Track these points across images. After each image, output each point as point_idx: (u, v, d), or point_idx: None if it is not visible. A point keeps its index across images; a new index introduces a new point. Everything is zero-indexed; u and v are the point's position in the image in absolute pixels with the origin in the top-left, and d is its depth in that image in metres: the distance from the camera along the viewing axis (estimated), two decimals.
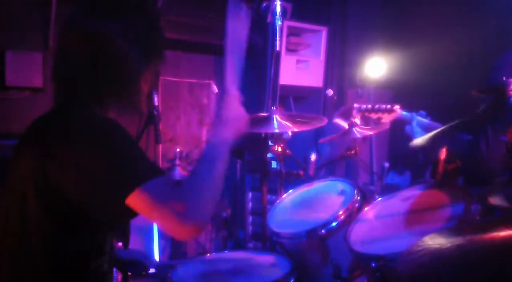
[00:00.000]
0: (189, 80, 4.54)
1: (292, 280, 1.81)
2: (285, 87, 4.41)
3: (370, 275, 1.73)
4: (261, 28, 4.42)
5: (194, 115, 4.65)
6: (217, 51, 4.60)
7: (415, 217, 1.89)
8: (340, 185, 2.34)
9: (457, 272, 1.07)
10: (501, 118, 2.25)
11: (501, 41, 4.18)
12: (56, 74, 1.32)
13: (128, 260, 1.96)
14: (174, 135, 4.53)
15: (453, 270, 1.08)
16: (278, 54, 4.31)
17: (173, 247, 3.66)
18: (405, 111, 2.82)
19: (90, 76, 1.27)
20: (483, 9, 4.18)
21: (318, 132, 3.72)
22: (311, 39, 4.65)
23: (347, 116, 2.84)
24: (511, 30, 4.06)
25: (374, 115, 2.76)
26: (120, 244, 3.00)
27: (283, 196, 2.46)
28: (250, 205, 4.30)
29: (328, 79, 4.86)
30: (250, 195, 4.33)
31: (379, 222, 1.97)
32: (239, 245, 3.89)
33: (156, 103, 3.11)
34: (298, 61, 4.56)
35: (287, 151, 2.75)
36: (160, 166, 4.27)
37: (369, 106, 2.78)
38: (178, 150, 3.14)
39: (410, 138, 2.62)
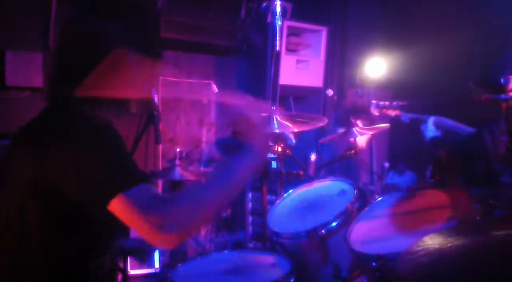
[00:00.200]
0: (189, 80, 4.54)
1: (292, 280, 1.81)
2: (285, 87, 4.41)
3: (370, 275, 1.74)
4: (261, 28, 4.43)
5: (194, 115, 4.65)
6: (217, 51, 4.61)
7: (415, 217, 1.89)
8: (340, 185, 2.34)
9: (457, 272, 1.07)
10: (500, 118, 2.25)
11: (501, 41, 4.18)
12: (52, 73, 1.32)
13: (131, 249, 1.96)
14: (174, 135, 4.53)
15: (453, 270, 1.08)
16: (278, 54, 4.32)
17: None
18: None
19: (84, 76, 1.26)
20: (483, 9, 4.18)
21: (319, 133, 3.72)
22: (311, 39, 4.65)
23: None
24: (511, 30, 4.06)
25: (392, 112, 2.75)
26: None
27: (283, 196, 2.46)
28: (250, 205, 4.30)
29: (328, 79, 4.86)
30: (250, 195, 4.33)
31: (379, 222, 1.97)
32: (239, 245, 3.89)
33: (156, 103, 3.11)
34: (298, 61, 4.56)
35: (287, 151, 2.75)
36: (160, 166, 4.27)
37: (387, 103, 2.76)
38: (178, 150, 3.13)
39: (423, 137, 2.61)
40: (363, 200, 2.15)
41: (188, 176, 2.99)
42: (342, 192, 2.27)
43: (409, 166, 5.30)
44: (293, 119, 2.51)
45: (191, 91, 4.12)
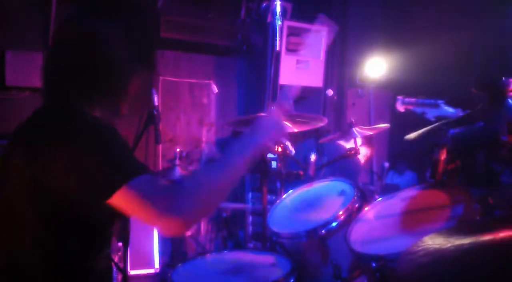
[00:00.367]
0: (189, 80, 4.54)
1: (292, 280, 1.81)
2: (285, 87, 4.41)
3: (370, 275, 1.73)
4: (261, 28, 4.43)
5: (194, 115, 4.66)
6: (217, 51, 4.61)
7: (415, 217, 1.89)
8: (340, 185, 2.34)
9: (457, 272, 1.07)
10: (499, 118, 2.25)
11: (501, 41, 4.18)
12: (48, 72, 1.32)
13: None
14: (174, 135, 4.53)
15: (453, 270, 1.08)
16: (278, 54, 4.33)
17: (173, 247, 3.66)
18: (450, 107, 2.77)
19: (82, 75, 1.27)
20: (483, 9, 4.18)
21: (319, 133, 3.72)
22: (311, 39, 4.65)
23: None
24: (511, 30, 4.06)
25: (418, 109, 2.72)
26: (120, 244, 3.00)
27: (283, 196, 2.46)
28: (250, 205, 4.30)
29: (328, 79, 4.86)
30: (250, 195, 4.33)
31: (379, 222, 1.97)
32: (239, 245, 3.89)
33: (156, 103, 3.11)
34: (298, 61, 4.56)
35: (287, 151, 2.75)
36: (160, 166, 4.28)
37: (413, 99, 2.73)
38: (178, 150, 3.14)
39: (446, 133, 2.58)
40: (363, 200, 2.14)
41: None
42: (342, 192, 2.27)
43: (409, 166, 5.31)
44: (293, 119, 2.51)
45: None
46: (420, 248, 1.20)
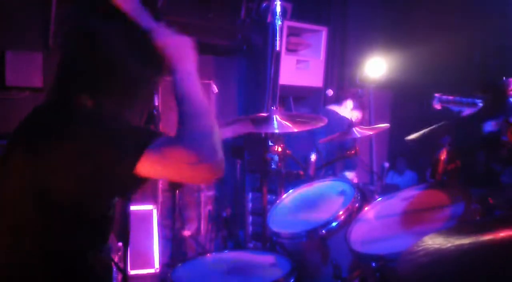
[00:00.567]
0: None
1: (292, 280, 1.81)
2: (285, 87, 4.41)
3: (370, 275, 1.73)
4: (261, 28, 4.43)
5: None
6: (217, 51, 4.61)
7: (415, 217, 1.89)
8: (340, 185, 2.34)
9: (457, 272, 1.07)
10: (500, 118, 2.25)
11: (501, 41, 4.19)
12: (55, 72, 1.33)
13: None
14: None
15: (453, 270, 1.08)
16: (278, 54, 4.33)
17: (173, 247, 3.66)
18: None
19: (83, 75, 1.27)
20: (483, 9, 4.19)
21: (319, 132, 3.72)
22: (311, 39, 4.66)
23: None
24: (511, 30, 4.06)
25: (455, 108, 2.70)
26: (120, 244, 3.00)
27: (283, 196, 2.46)
28: (250, 205, 4.30)
29: (328, 79, 4.86)
30: (250, 195, 4.33)
31: (379, 222, 1.97)
32: (239, 245, 3.89)
33: (156, 103, 3.11)
34: (298, 61, 4.56)
35: (287, 151, 2.75)
36: None
37: (450, 97, 2.72)
38: None
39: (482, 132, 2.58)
40: (363, 200, 2.15)
41: None
42: (342, 192, 2.27)
43: (409, 166, 5.31)
44: (293, 119, 2.51)
45: None
46: (420, 248, 1.19)
